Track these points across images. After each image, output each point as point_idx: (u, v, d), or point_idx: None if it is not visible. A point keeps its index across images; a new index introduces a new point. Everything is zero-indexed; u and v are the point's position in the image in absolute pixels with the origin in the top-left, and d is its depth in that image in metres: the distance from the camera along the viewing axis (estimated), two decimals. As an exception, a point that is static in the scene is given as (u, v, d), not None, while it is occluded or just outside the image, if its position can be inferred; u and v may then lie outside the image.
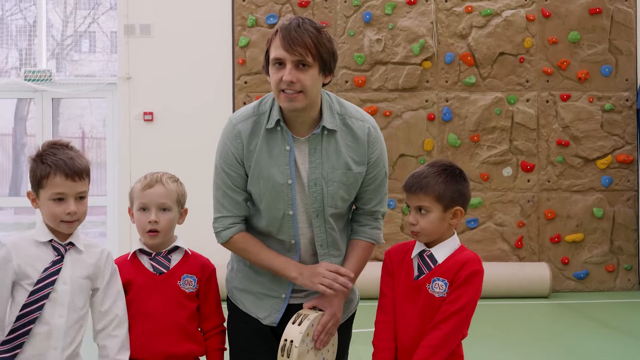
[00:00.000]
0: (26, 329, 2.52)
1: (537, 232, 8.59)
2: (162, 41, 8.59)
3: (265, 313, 2.80)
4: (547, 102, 8.63)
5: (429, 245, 2.74)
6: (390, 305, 2.74)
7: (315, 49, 2.58)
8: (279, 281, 2.78)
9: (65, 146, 2.63)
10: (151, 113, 8.55)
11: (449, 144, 8.58)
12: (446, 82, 8.62)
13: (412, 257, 2.75)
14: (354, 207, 2.89)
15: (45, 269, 2.56)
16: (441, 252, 2.71)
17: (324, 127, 2.70)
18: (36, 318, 2.52)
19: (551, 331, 6.59)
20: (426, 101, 8.61)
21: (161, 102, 8.56)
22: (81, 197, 2.61)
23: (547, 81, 8.64)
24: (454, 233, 2.76)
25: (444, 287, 2.66)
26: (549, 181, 8.62)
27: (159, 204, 2.81)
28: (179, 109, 8.51)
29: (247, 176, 2.74)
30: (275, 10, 8.55)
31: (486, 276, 9.00)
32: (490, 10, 8.62)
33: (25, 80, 8.70)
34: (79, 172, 2.59)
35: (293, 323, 2.63)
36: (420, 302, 2.68)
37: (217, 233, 2.80)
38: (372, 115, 8.35)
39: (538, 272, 8.14)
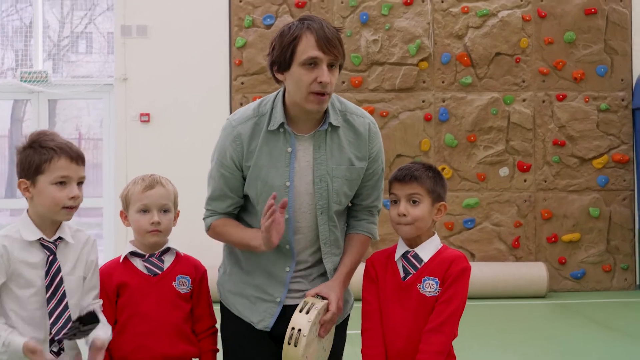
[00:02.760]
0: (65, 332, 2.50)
1: (534, 232, 8.61)
2: (159, 42, 8.58)
3: (259, 317, 2.77)
4: (543, 102, 8.64)
5: (411, 245, 2.75)
6: (375, 311, 2.74)
7: (342, 50, 2.64)
8: (273, 283, 2.77)
9: (56, 134, 2.61)
10: (148, 114, 8.54)
11: (446, 144, 8.59)
12: (443, 82, 8.63)
13: (395, 259, 2.75)
14: (349, 204, 2.90)
15: (47, 273, 2.53)
16: (425, 251, 2.73)
17: (330, 124, 2.71)
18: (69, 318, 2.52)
19: (548, 331, 6.60)
20: (423, 101, 8.62)
21: (158, 103, 8.55)
22: (80, 183, 2.59)
23: (543, 81, 8.65)
24: (434, 233, 2.79)
25: (435, 286, 2.67)
26: (545, 181, 8.63)
27: (161, 205, 2.82)
28: (176, 110, 8.51)
29: (244, 179, 2.74)
30: (272, 11, 8.55)
31: (483, 276, 9.02)
32: (486, 11, 8.63)
33: (21, 81, 8.68)
34: (81, 156, 2.58)
35: (300, 311, 2.59)
36: (412, 302, 2.67)
37: (204, 220, 2.85)
38: (368, 115, 8.39)
39: (535, 272, 8.15)
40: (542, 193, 8.64)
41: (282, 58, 2.62)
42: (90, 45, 10.80)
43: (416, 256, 2.73)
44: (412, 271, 2.71)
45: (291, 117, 2.71)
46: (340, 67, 2.68)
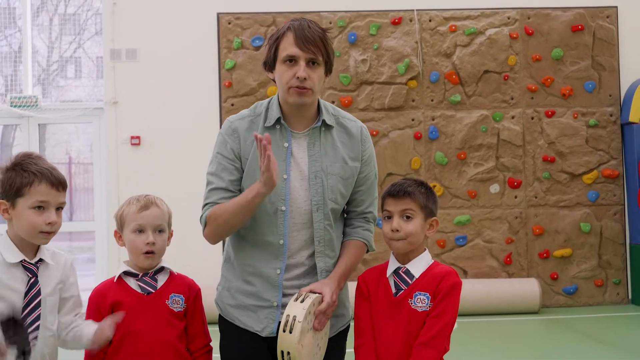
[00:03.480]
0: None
1: (526, 248, 8.63)
2: (148, 65, 8.61)
3: (262, 325, 2.78)
4: (532, 118, 8.69)
5: (403, 262, 2.78)
6: (368, 327, 2.76)
7: (324, 49, 2.73)
8: (267, 287, 2.78)
9: (42, 158, 2.63)
10: (138, 137, 8.55)
11: (436, 162, 8.62)
12: (432, 100, 8.68)
13: (387, 275, 2.78)
14: (345, 214, 2.94)
15: (26, 295, 2.54)
16: (417, 267, 2.76)
17: (323, 122, 2.80)
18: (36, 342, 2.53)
19: (542, 347, 6.59)
20: (412, 120, 8.65)
21: (148, 126, 8.56)
22: (59, 209, 2.61)
23: (532, 98, 8.71)
24: (425, 249, 2.82)
25: (426, 301, 2.69)
26: (536, 197, 8.67)
27: (156, 225, 2.83)
28: (167, 133, 8.52)
29: (242, 171, 2.78)
30: (261, 32, 8.60)
31: (476, 293, 9.03)
32: (474, 29, 8.69)
33: (11, 106, 8.70)
34: (63, 182, 2.60)
35: (295, 300, 2.60)
36: (403, 318, 2.70)
37: (200, 219, 2.82)
38: (359, 135, 8.41)
39: (527, 288, 8.16)
40: (533, 209, 8.67)
41: (268, 57, 2.79)
42: (79, 70, 10.80)
43: (407, 272, 2.76)
44: (403, 287, 2.74)
45: (285, 114, 2.80)
46: (327, 66, 2.77)
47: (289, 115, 2.80)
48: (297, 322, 2.52)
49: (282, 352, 2.55)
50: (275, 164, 2.59)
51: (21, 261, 2.57)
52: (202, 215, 2.80)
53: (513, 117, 8.69)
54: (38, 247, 2.63)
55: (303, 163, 2.79)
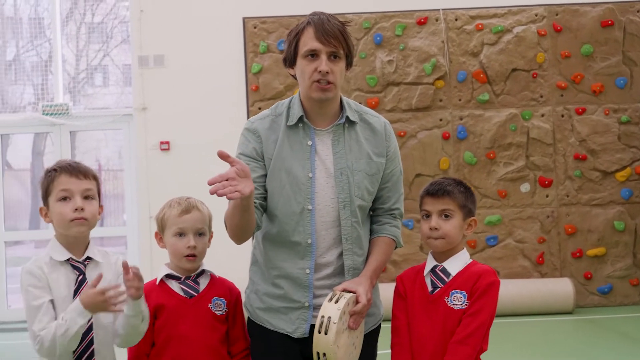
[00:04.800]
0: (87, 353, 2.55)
1: (558, 248, 8.53)
2: (176, 71, 8.66)
3: (294, 326, 2.76)
4: (563, 116, 8.60)
5: (440, 261, 2.77)
6: (404, 327, 2.76)
7: (344, 42, 2.72)
8: (297, 289, 2.76)
9: (68, 160, 2.68)
10: (167, 142, 8.60)
11: (465, 162, 8.57)
12: (460, 100, 8.62)
13: (424, 274, 2.78)
14: (371, 212, 2.92)
15: (75, 293, 2.56)
16: (454, 266, 2.76)
17: (347, 118, 2.79)
18: (92, 340, 2.56)
19: (576, 347, 6.53)
20: (440, 120, 8.60)
21: (177, 131, 8.61)
22: (88, 197, 2.61)
23: (562, 95, 8.62)
24: (464, 247, 2.82)
25: (462, 299, 2.68)
26: (567, 196, 8.57)
27: (197, 229, 2.84)
28: (195, 137, 8.55)
29: (265, 173, 2.76)
30: (286, 35, 8.58)
31: (509, 293, 8.95)
32: (501, 27, 8.63)
33: (43, 114, 8.80)
34: (83, 171, 2.62)
35: (329, 301, 2.58)
36: (440, 316, 2.69)
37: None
38: (387, 136, 8.38)
39: (561, 288, 8.07)
40: (565, 208, 8.57)
41: (288, 53, 2.78)
42: (107, 78, 10.89)
43: (444, 270, 2.76)
44: (440, 285, 2.73)
45: (308, 112, 2.79)
46: (348, 59, 2.75)
47: (311, 112, 2.79)
48: (332, 323, 2.51)
49: (318, 353, 2.54)
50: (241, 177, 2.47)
51: (68, 259, 2.59)
52: (224, 219, 2.78)
53: (543, 115, 8.60)
54: (86, 247, 2.64)
55: (328, 160, 2.77)
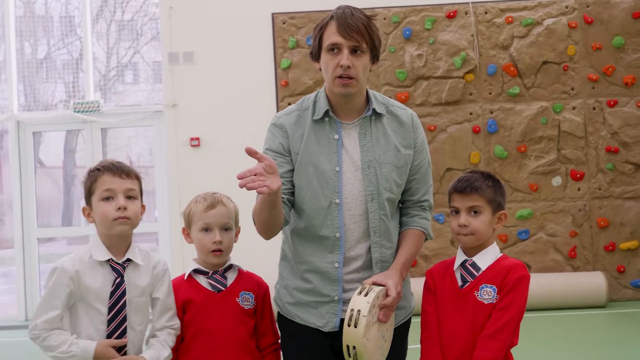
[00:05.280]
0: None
1: (591, 241, 8.46)
2: (206, 67, 8.71)
3: (324, 320, 2.77)
4: (594, 109, 8.52)
5: (470, 255, 2.76)
6: (433, 321, 2.75)
7: (368, 36, 2.70)
8: (326, 283, 2.76)
9: (110, 160, 2.70)
10: (198, 138, 8.66)
11: (496, 155, 8.52)
12: (490, 93, 8.57)
13: (454, 269, 2.77)
14: (400, 205, 2.91)
15: (112, 294, 2.59)
16: (483, 260, 2.74)
17: (373, 110, 2.78)
18: (126, 339, 2.60)
19: (610, 341, 6.48)
20: (470, 114, 8.57)
21: (207, 127, 8.66)
22: (131, 197, 2.63)
23: (593, 88, 8.54)
24: (494, 241, 2.80)
25: (492, 293, 2.67)
26: (599, 189, 8.49)
27: (222, 224, 2.85)
28: (225, 133, 8.59)
29: (292, 168, 2.77)
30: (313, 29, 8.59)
31: (541, 287, 8.86)
32: (531, 20, 8.57)
33: (75, 112, 8.89)
34: (126, 171, 2.64)
35: (359, 294, 2.57)
36: (469, 310, 2.68)
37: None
38: (416, 130, 8.36)
39: (593, 282, 8.01)
40: (597, 201, 8.50)
41: (314, 47, 2.78)
42: (137, 75, 10.95)
43: (474, 264, 2.75)
44: (469, 279, 2.72)
45: (334, 105, 2.78)
46: (373, 53, 2.74)
47: (337, 106, 2.79)
48: (361, 316, 2.50)
49: (348, 346, 2.54)
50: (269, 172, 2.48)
51: (108, 260, 2.61)
52: (252, 214, 2.78)
53: (574, 108, 8.53)
54: (127, 248, 2.66)
55: (355, 154, 2.76)
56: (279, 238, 2.95)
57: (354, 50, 2.68)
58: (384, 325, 2.66)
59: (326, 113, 2.77)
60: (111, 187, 2.60)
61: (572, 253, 8.43)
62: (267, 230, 2.72)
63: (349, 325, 2.52)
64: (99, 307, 2.57)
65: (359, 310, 2.51)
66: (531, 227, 8.50)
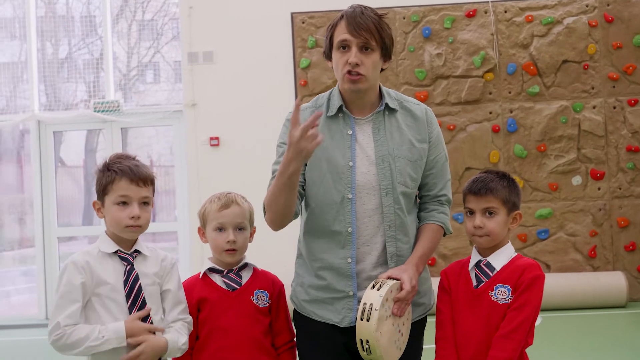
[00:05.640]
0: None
1: (611, 241, 8.42)
2: (225, 67, 8.75)
3: (340, 316, 2.77)
4: (614, 108, 8.48)
5: (485, 255, 2.76)
6: (448, 321, 2.76)
7: (378, 34, 2.72)
8: (340, 279, 2.76)
9: (131, 157, 2.72)
10: (217, 138, 8.70)
11: (515, 155, 8.50)
12: (509, 92, 8.55)
13: (469, 269, 2.77)
14: (419, 200, 2.91)
15: (126, 282, 2.62)
16: (498, 260, 2.74)
17: (387, 105, 2.80)
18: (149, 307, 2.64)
19: (629, 341, 6.44)
20: (490, 113, 8.55)
21: (226, 126, 8.69)
22: (145, 203, 2.67)
23: (613, 87, 8.49)
24: (509, 241, 2.80)
25: (507, 293, 2.67)
26: (620, 188, 8.45)
27: (236, 223, 2.86)
28: (245, 132, 8.63)
29: (305, 162, 2.73)
30: (334, 30, 8.60)
31: (561, 287, 8.80)
32: (551, 19, 8.53)
33: (95, 111, 8.97)
34: (143, 178, 2.66)
35: (372, 288, 2.58)
36: (484, 310, 2.68)
37: (263, 209, 2.79)
38: (436, 129, 8.35)
39: (614, 282, 7.96)
40: (617, 201, 8.45)
41: (326, 46, 2.82)
42: (158, 75, 11.01)
43: (489, 264, 2.75)
44: (484, 279, 2.72)
45: (347, 102, 2.80)
46: (383, 51, 2.76)
47: (350, 102, 2.81)
48: (373, 310, 2.51)
49: (361, 340, 2.55)
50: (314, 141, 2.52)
51: (116, 251, 2.65)
52: (263, 204, 2.77)
53: (594, 107, 8.49)
54: (134, 242, 2.70)
55: (369, 148, 2.78)
56: (295, 236, 2.97)
57: (363, 48, 2.71)
58: (399, 319, 2.66)
59: (340, 109, 2.79)
60: (128, 194, 2.63)
61: (592, 253, 8.39)
62: (280, 217, 2.71)
63: (361, 319, 2.53)
64: (115, 297, 2.60)
65: (371, 304, 2.52)
66: (551, 226, 8.47)
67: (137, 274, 2.64)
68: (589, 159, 8.48)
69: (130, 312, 2.60)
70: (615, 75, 8.47)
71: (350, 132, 2.78)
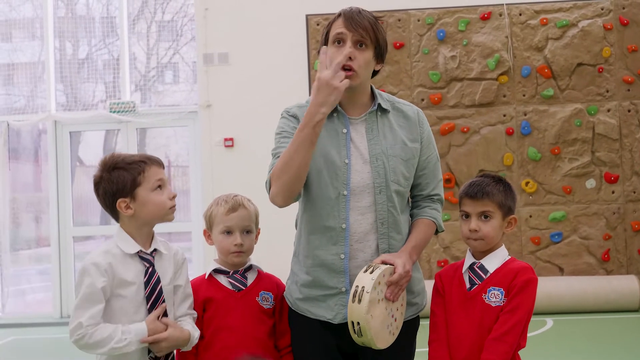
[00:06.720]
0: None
1: (624, 245, 8.39)
2: (240, 68, 8.80)
3: (333, 312, 2.79)
4: (629, 111, 8.45)
5: (478, 257, 2.80)
6: (442, 323, 2.79)
7: (373, 32, 2.78)
8: (332, 275, 2.78)
9: (123, 153, 2.79)
10: (232, 139, 8.76)
11: (529, 157, 8.49)
12: (524, 95, 8.55)
13: (462, 271, 2.81)
14: (411, 200, 2.95)
15: (146, 284, 2.66)
16: (491, 263, 2.78)
17: (379, 106, 2.86)
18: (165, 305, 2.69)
19: (642, 345, 6.44)
20: (504, 116, 8.55)
21: (241, 127, 8.75)
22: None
23: (628, 90, 8.46)
24: (502, 244, 2.83)
25: (500, 296, 2.71)
26: (634, 192, 8.42)
27: (243, 226, 2.91)
28: (259, 134, 8.66)
29: None
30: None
31: (574, 290, 8.77)
32: (566, 22, 8.52)
33: (110, 112, 9.05)
34: (161, 162, 2.78)
35: (365, 272, 2.60)
36: (477, 312, 2.71)
37: (266, 186, 2.79)
38: (449, 132, 8.39)
39: (627, 286, 7.94)
40: (631, 204, 8.42)
41: (321, 44, 2.83)
42: (177, 75, 11.08)
43: (482, 267, 2.78)
44: (477, 282, 2.76)
45: (341, 101, 2.82)
46: (377, 51, 2.80)
47: (345, 103, 2.85)
48: (365, 292, 2.53)
49: (352, 322, 2.56)
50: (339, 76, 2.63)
51: (138, 252, 2.68)
52: (266, 181, 2.78)
53: (609, 110, 8.46)
54: (152, 238, 2.74)
55: (363, 147, 2.82)
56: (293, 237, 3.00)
57: (358, 44, 2.76)
58: (393, 304, 2.67)
59: (334, 108, 2.82)
60: (162, 178, 2.72)
61: (606, 256, 8.37)
62: (292, 182, 2.68)
63: (353, 302, 2.55)
64: (135, 298, 2.64)
65: (362, 287, 2.55)
66: (564, 229, 8.45)
67: (158, 276, 2.69)
68: (603, 162, 8.46)
69: (148, 313, 2.65)
70: (630, 79, 8.44)
71: (345, 130, 2.82)
